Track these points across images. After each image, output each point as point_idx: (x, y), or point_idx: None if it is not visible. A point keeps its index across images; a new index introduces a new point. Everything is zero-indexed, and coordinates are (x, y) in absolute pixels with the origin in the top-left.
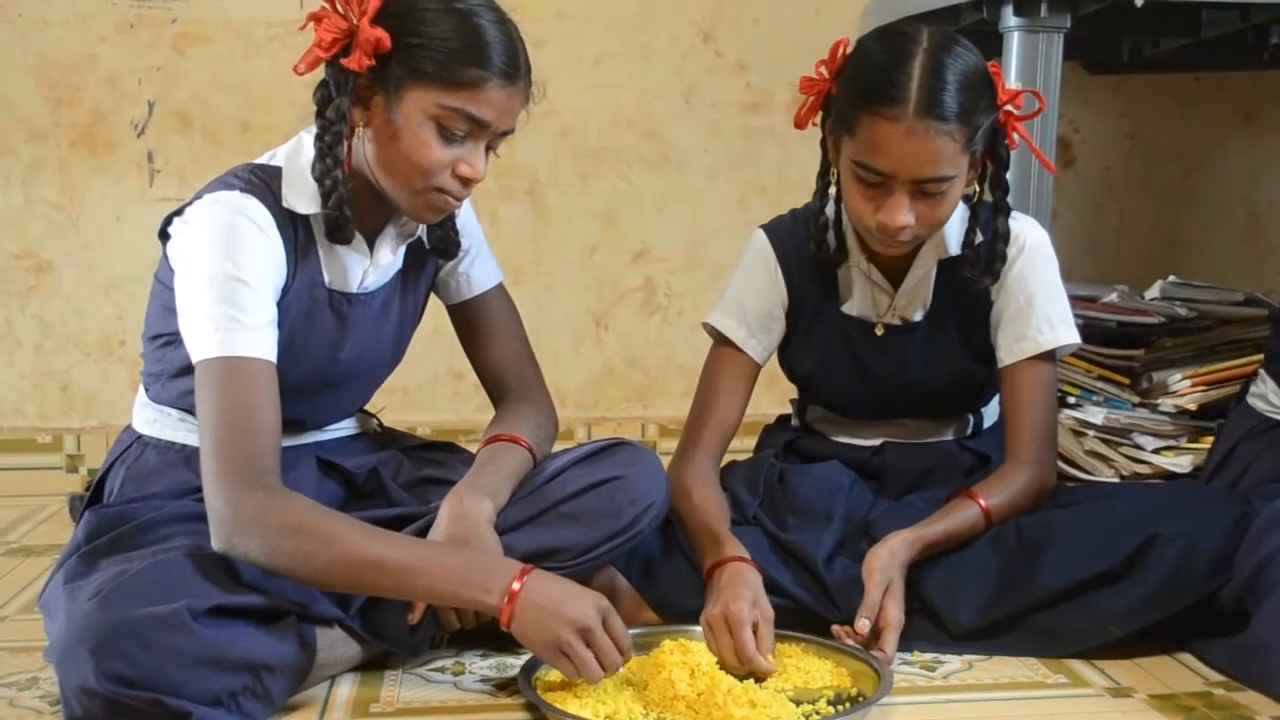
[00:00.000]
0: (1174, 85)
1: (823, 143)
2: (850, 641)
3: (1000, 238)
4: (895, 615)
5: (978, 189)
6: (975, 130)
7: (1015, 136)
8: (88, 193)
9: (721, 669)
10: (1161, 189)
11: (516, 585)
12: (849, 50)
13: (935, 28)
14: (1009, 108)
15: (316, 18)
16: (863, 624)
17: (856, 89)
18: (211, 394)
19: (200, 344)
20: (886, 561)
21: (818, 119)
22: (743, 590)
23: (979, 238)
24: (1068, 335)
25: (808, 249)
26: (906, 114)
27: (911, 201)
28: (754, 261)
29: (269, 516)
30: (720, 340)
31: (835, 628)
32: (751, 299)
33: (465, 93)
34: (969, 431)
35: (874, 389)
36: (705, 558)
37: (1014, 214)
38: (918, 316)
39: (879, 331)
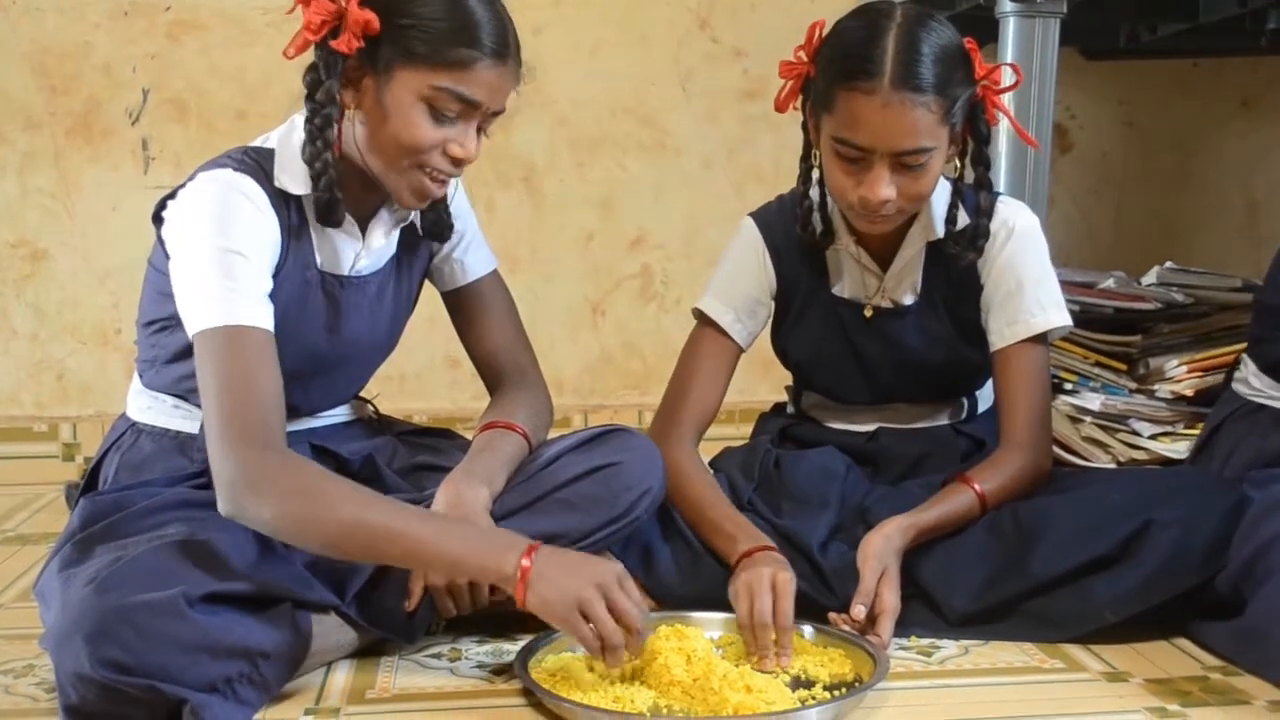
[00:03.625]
0: (1171, 71)
1: (804, 126)
2: (846, 627)
3: (983, 213)
4: (890, 601)
5: (959, 165)
6: (952, 102)
7: (996, 113)
8: (83, 181)
9: (742, 630)
10: (1159, 175)
11: (526, 561)
12: (825, 32)
13: (910, 4)
14: (987, 83)
15: (305, 0)
16: (858, 610)
17: (833, 66)
18: (214, 362)
19: (198, 315)
20: (881, 547)
21: (798, 103)
22: (788, 567)
23: (961, 215)
24: (1059, 317)
25: (796, 233)
26: (882, 86)
27: (892, 175)
28: (742, 249)
29: (283, 478)
30: (705, 322)
31: (831, 615)
32: (740, 284)
33: (456, 73)
34: (964, 416)
35: (867, 372)
36: (736, 543)
37: (1003, 198)
38: (908, 299)
39: (868, 313)
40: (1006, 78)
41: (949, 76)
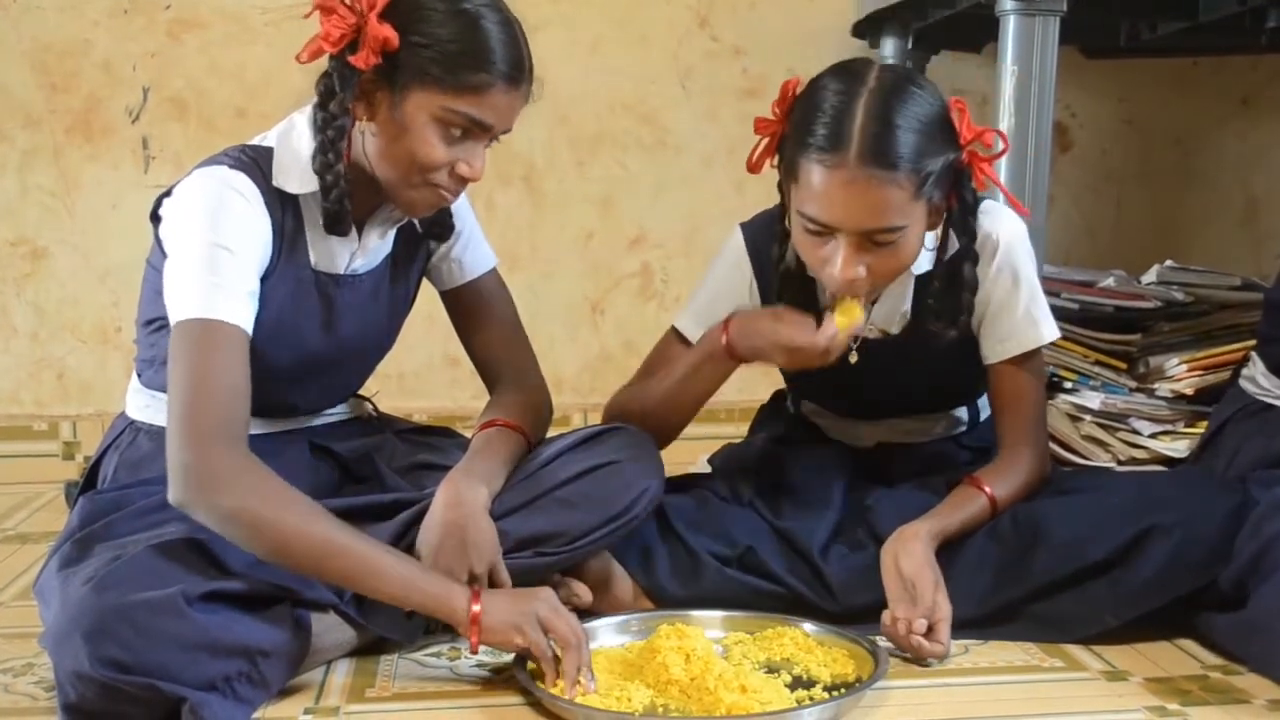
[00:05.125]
0: (1171, 69)
1: (779, 186)
2: (903, 633)
3: (967, 287)
4: (947, 608)
5: (941, 234)
6: (926, 177)
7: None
8: (83, 179)
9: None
10: (1159, 174)
11: (476, 607)
12: (799, 90)
13: (891, 65)
14: (976, 146)
15: (325, 9)
16: (920, 624)
17: (799, 132)
18: (185, 354)
19: (178, 306)
20: (928, 556)
21: (774, 161)
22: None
23: (951, 242)
24: (1050, 331)
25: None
26: (847, 161)
27: (860, 253)
28: (728, 267)
29: (240, 477)
30: (681, 338)
31: (886, 618)
32: (720, 303)
33: (470, 97)
34: (965, 425)
35: (861, 394)
36: (705, 343)
37: (985, 206)
38: (895, 330)
39: (853, 358)
40: (997, 144)
41: (923, 149)
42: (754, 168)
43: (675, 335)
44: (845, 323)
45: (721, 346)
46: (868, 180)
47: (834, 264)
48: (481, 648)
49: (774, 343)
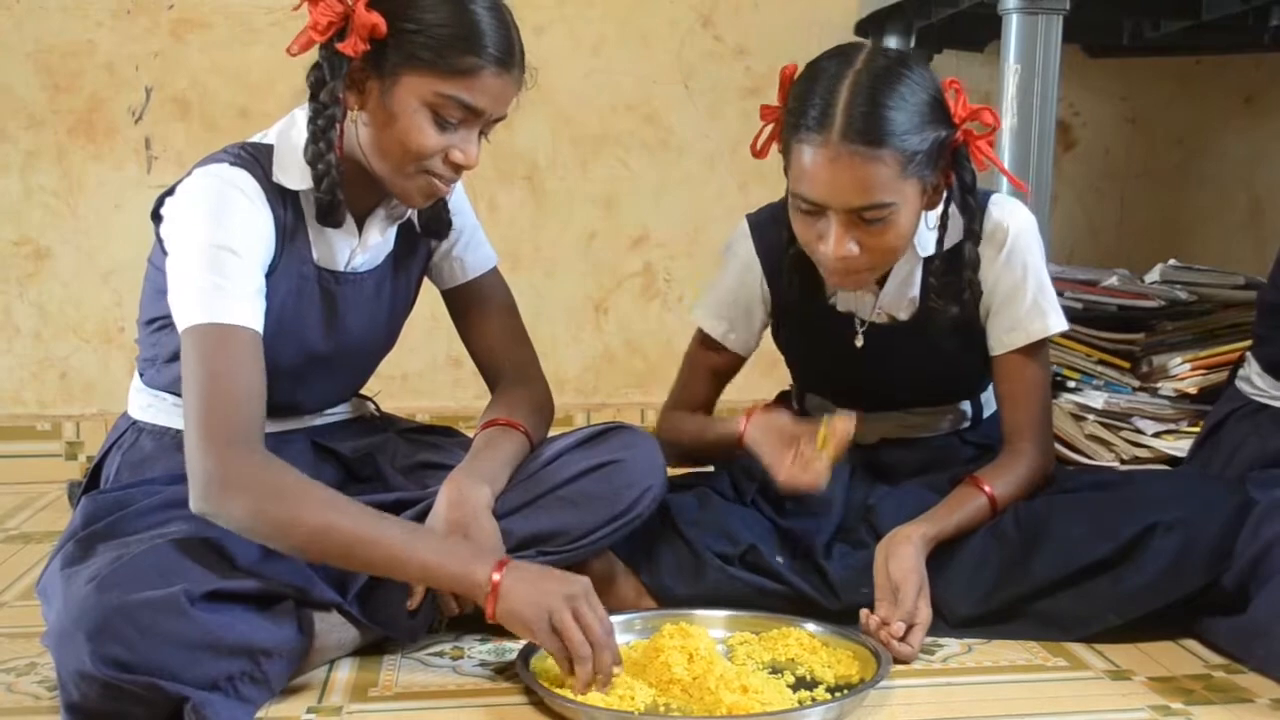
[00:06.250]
0: (1175, 68)
1: (786, 170)
2: (876, 629)
3: (968, 265)
4: (926, 614)
5: (944, 213)
6: (913, 155)
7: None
8: (86, 179)
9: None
10: (1162, 172)
11: (497, 576)
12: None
13: (884, 48)
14: (972, 126)
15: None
16: (898, 627)
17: (792, 115)
18: (197, 359)
19: (186, 311)
20: (917, 561)
21: (780, 147)
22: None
23: (954, 229)
24: (1057, 323)
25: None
26: (831, 139)
27: (851, 231)
28: (739, 267)
29: (260, 478)
30: (708, 340)
31: (864, 614)
32: (733, 297)
33: (461, 81)
34: (969, 422)
35: (867, 383)
36: (730, 427)
37: (995, 199)
38: (904, 316)
39: (858, 343)
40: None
41: (909, 127)
42: (759, 153)
43: (702, 337)
44: (824, 435)
45: (737, 437)
46: (851, 157)
47: (826, 242)
48: (483, 651)
49: (778, 466)
